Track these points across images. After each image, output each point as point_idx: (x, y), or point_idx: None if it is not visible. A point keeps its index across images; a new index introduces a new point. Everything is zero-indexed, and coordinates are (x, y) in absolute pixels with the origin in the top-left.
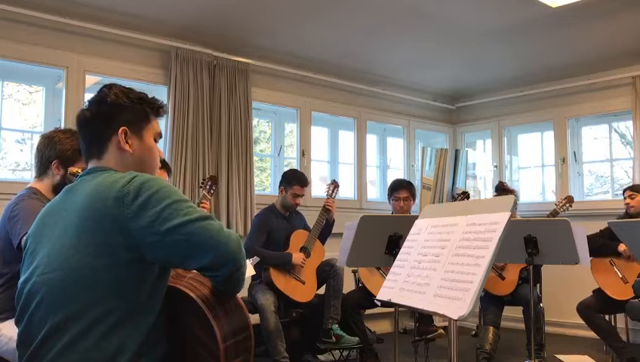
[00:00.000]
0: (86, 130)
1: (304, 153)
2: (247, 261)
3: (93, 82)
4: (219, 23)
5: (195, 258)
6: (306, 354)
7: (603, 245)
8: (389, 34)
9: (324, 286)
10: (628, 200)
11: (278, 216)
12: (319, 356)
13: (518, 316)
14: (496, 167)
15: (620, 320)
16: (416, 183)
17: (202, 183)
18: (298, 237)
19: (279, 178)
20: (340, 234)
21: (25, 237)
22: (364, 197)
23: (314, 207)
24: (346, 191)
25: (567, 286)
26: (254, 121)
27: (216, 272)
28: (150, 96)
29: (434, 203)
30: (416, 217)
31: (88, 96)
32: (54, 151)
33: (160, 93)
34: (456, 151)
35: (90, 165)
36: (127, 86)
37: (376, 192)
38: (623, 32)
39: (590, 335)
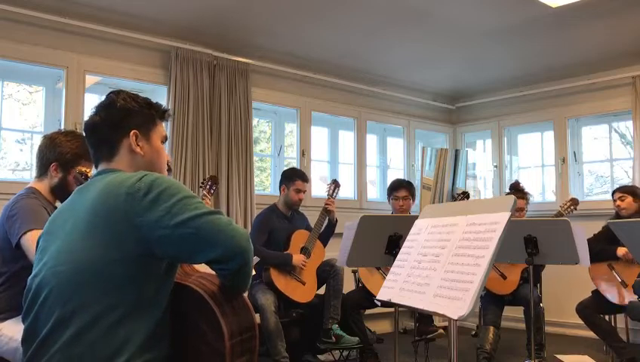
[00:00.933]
0: (95, 134)
1: (304, 153)
2: None
3: (93, 82)
4: (219, 23)
5: (204, 251)
6: (306, 354)
7: (602, 250)
8: (389, 34)
9: (324, 286)
10: (618, 202)
11: (280, 216)
12: (319, 356)
13: (518, 316)
14: (496, 167)
15: (620, 320)
16: (416, 183)
17: (202, 183)
18: (299, 237)
19: (279, 178)
20: (340, 234)
21: (24, 237)
22: (364, 197)
23: (314, 207)
24: (346, 191)
25: (567, 286)
26: (254, 121)
27: (225, 265)
28: (147, 98)
29: (434, 203)
30: (416, 217)
31: (88, 96)
32: (54, 154)
33: (160, 93)
34: (456, 151)
35: (101, 167)
36: (125, 87)
37: (376, 192)
38: (623, 32)
39: (590, 335)
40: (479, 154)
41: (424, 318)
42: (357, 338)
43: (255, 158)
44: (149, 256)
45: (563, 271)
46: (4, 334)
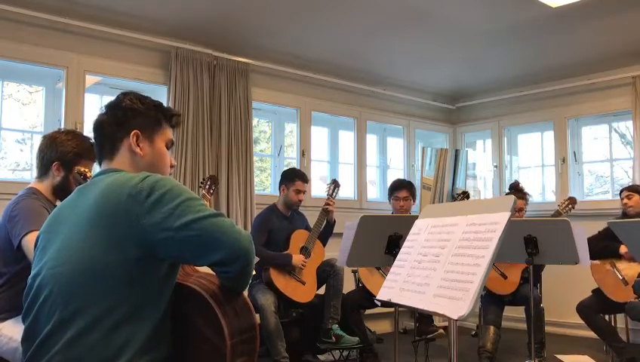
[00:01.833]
0: (100, 132)
1: (304, 153)
2: None
3: (93, 82)
4: (219, 23)
5: (208, 254)
6: (306, 354)
7: (605, 247)
8: (389, 34)
9: (324, 286)
10: (626, 201)
11: (280, 216)
12: (319, 356)
13: (518, 316)
14: (496, 167)
15: (620, 320)
16: (416, 183)
17: (202, 183)
18: (298, 237)
19: (279, 178)
20: (340, 234)
21: (25, 238)
22: (364, 197)
23: (314, 207)
24: (346, 191)
25: (567, 286)
26: (254, 121)
27: (229, 268)
28: (158, 101)
29: (434, 203)
30: (416, 217)
31: (88, 96)
32: (55, 153)
33: (160, 93)
34: (456, 151)
35: (103, 166)
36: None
37: (376, 192)
38: (623, 32)
39: (590, 335)
40: (479, 154)
41: (424, 318)
42: (357, 339)
43: (255, 158)
44: (151, 257)
45: (563, 270)
46: (4, 334)
